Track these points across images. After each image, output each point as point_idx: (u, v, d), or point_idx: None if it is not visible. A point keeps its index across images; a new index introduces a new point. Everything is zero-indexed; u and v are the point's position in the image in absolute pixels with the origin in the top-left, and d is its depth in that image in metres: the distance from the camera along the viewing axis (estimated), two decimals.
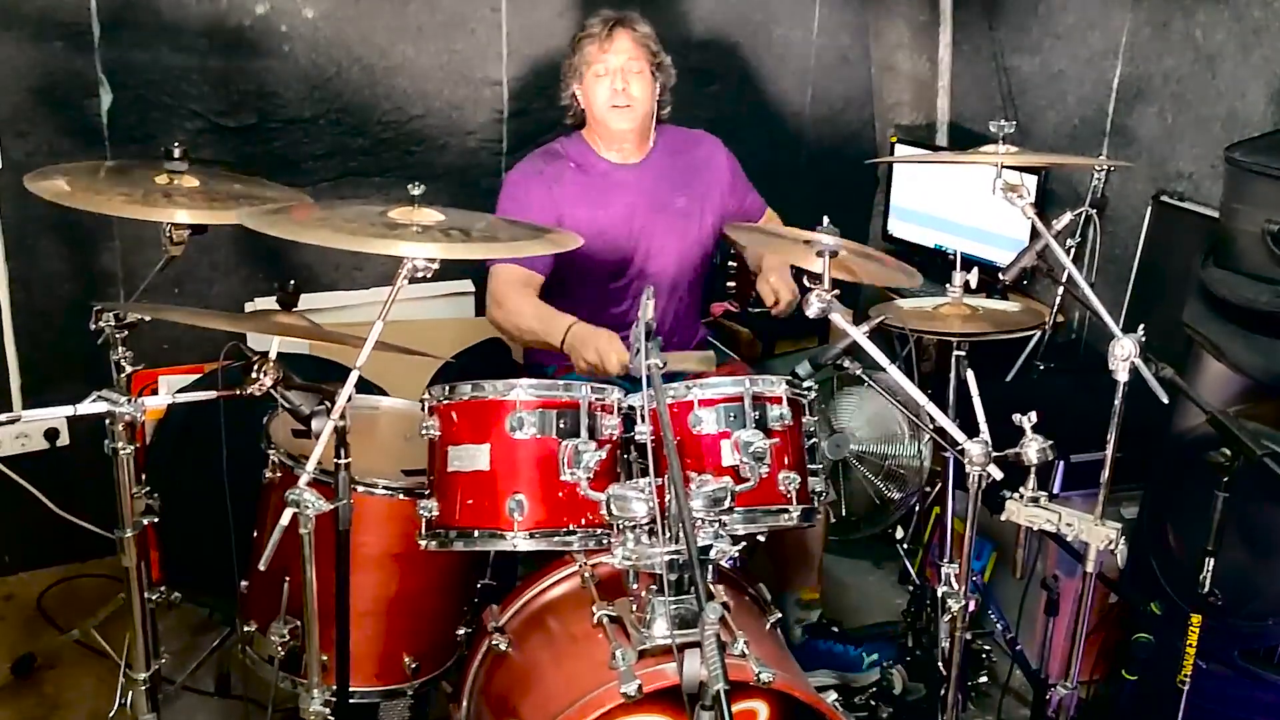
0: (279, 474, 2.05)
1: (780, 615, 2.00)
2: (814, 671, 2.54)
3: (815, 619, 2.62)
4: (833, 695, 1.75)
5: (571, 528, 1.86)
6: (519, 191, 2.53)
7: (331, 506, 1.66)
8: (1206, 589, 1.82)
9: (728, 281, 3.41)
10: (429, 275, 1.66)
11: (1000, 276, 2.20)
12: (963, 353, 2.10)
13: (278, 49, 2.93)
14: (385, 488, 2.01)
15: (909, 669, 2.38)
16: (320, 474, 1.67)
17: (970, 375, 2.04)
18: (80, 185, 1.90)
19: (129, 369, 1.90)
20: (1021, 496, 1.81)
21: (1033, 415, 1.78)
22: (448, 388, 1.90)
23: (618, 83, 2.46)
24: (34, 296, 2.81)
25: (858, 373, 2.02)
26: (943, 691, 2.00)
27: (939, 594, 1.96)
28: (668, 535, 1.65)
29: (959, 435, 1.77)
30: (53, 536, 2.77)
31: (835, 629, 2.62)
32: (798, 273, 2.36)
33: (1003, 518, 1.82)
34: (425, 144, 3.18)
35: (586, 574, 1.94)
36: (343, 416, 1.67)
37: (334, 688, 1.80)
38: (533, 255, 2.40)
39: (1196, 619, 1.88)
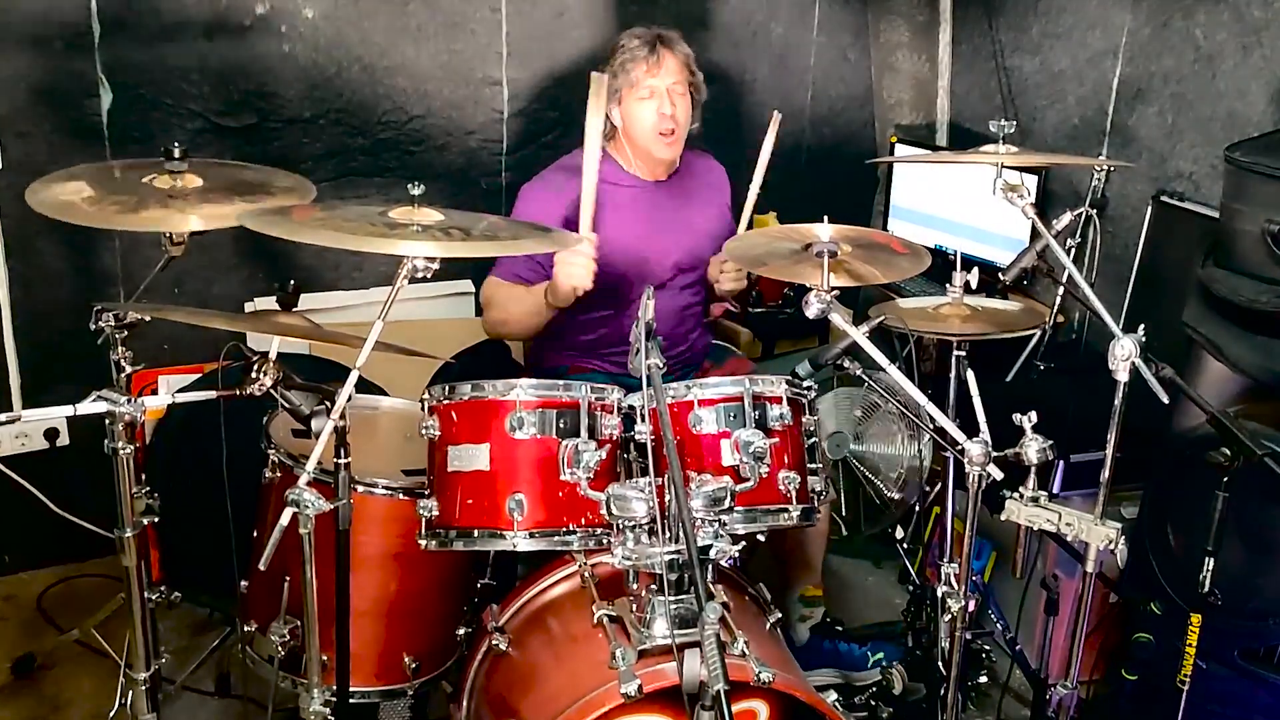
0: (279, 474, 2.05)
1: (780, 615, 2.00)
2: (817, 670, 2.54)
3: (819, 617, 2.63)
4: (833, 695, 1.76)
5: (571, 527, 1.85)
6: (532, 206, 2.46)
7: (331, 506, 1.66)
8: (1206, 589, 1.81)
9: None
10: (429, 275, 1.66)
11: (1000, 276, 2.20)
12: (963, 353, 2.10)
13: (278, 49, 2.93)
14: (385, 488, 2.01)
15: (909, 669, 2.38)
16: (320, 474, 1.67)
17: (970, 375, 2.04)
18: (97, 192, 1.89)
19: (129, 369, 1.89)
20: (1021, 496, 1.81)
21: (1033, 415, 1.78)
22: (448, 387, 1.90)
23: (665, 107, 2.39)
24: (34, 296, 2.81)
25: (858, 373, 2.03)
26: (943, 691, 2.00)
27: (939, 594, 1.96)
28: (668, 535, 1.65)
29: (959, 435, 1.77)
30: (53, 536, 2.76)
31: (840, 627, 2.62)
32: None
33: (1003, 518, 1.82)
34: (425, 144, 3.18)
35: (586, 574, 1.94)
36: (343, 416, 1.67)
37: (334, 688, 1.80)
38: (525, 257, 2.44)
39: (1196, 619, 1.88)
